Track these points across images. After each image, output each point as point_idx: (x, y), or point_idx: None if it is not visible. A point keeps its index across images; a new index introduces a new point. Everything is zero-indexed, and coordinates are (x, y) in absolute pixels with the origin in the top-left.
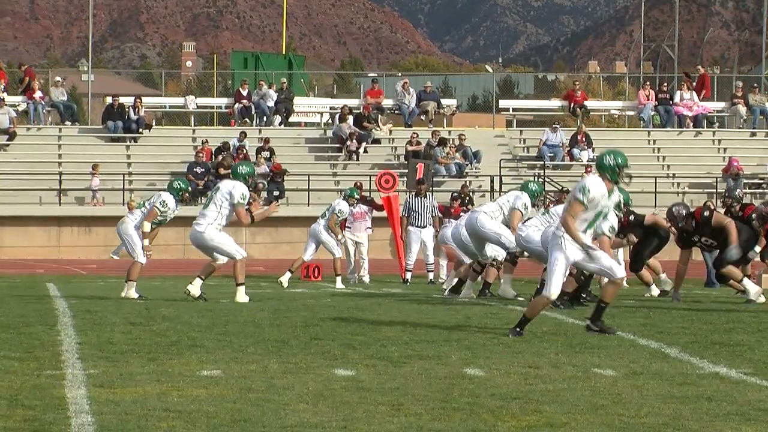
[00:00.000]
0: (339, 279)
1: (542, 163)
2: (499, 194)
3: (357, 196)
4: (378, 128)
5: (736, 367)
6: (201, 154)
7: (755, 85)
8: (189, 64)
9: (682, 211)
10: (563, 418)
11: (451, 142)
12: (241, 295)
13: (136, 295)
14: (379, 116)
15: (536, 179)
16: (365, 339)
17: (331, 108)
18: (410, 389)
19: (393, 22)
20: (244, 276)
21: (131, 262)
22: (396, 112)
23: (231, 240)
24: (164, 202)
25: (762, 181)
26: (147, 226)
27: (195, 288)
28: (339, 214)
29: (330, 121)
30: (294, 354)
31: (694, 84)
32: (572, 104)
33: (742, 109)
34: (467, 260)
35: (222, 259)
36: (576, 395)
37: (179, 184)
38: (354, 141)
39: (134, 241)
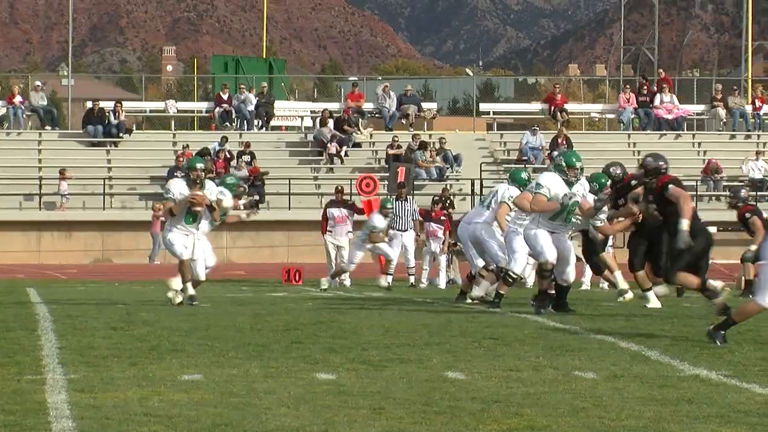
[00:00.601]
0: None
1: (524, 166)
2: (480, 197)
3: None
4: (359, 132)
5: (716, 369)
6: (182, 159)
7: (735, 87)
8: (169, 68)
9: (618, 170)
10: (544, 421)
11: (431, 145)
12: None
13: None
14: (360, 120)
15: (525, 168)
16: (346, 343)
17: (311, 112)
18: (391, 393)
19: (373, 26)
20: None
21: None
22: (377, 115)
23: (180, 241)
24: (222, 191)
25: (741, 183)
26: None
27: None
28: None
29: (311, 125)
30: (275, 358)
31: (654, 87)
32: (552, 107)
33: (722, 111)
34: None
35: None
36: (557, 398)
37: (232, 179)
38: (335, 145)
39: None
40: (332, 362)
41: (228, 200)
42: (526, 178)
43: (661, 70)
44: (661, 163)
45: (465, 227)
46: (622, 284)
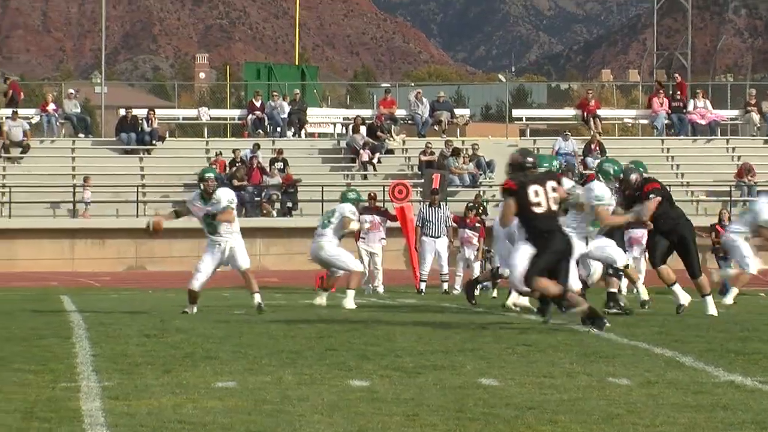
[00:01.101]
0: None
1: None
2: None
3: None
4: (391, 138)
5: (751, 375)
6: (215, 166)
7: (766, 92)
8: (202, 75)
9: (634, 176)
10: (578, 428)
11: (464, 152)
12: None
13: (353, 305)
14: (393, 126)
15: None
16: (379, 350)
17: (344, 118)
18: (425, 399)
19: (405, 32)
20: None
21: (346, 275)
22: (409, 122)
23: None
24: (353, 211)
25: None
26: (354, 225)
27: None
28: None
29: (343, 131)
30: (308, 365)
31: (670, 92)
32: (585, 113)
33: (756, 116)
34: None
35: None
36: (591, 405)
37: (353, 194)
38: (367, 151)
39: (343, 257)
40: (365, 369)
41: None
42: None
43: (677, 75)
44: (641, 170)
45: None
46: (644, 295)
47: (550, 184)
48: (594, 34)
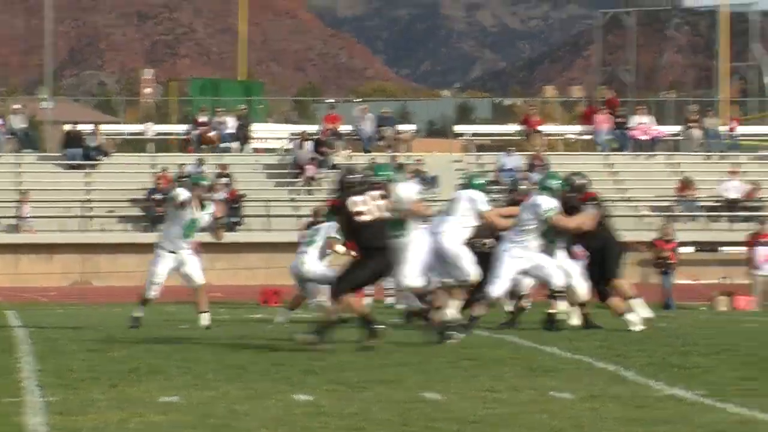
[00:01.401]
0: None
1: (499, 187)
2: None
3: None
4: (337, 154)
5: (692, 389)
6: (160, 181)
7: (709, 108)
8: (148, 90)
9: (581, 181)
10: None
11: (409, 167)
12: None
13: None
14: (338, 142)
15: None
16: (324, 364)
17: (289, 134)
18: (369, 414)
19: (351, 48)
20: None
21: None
22: (354, 137)
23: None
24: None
25: (718, 203)
26: (340, 248)
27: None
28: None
29: (289, 147)
30: (254, 380)
31: (613, 109)
32: (529, 129)
33: (697, 132)
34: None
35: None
36: (533, 419)
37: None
38: (313, 167)
39: (323, 274)
40: (310, 383)
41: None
42: (484, 182)
43: (611, 92)
44: (585, 181)
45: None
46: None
47: (375, 193)
48: (537, 50)
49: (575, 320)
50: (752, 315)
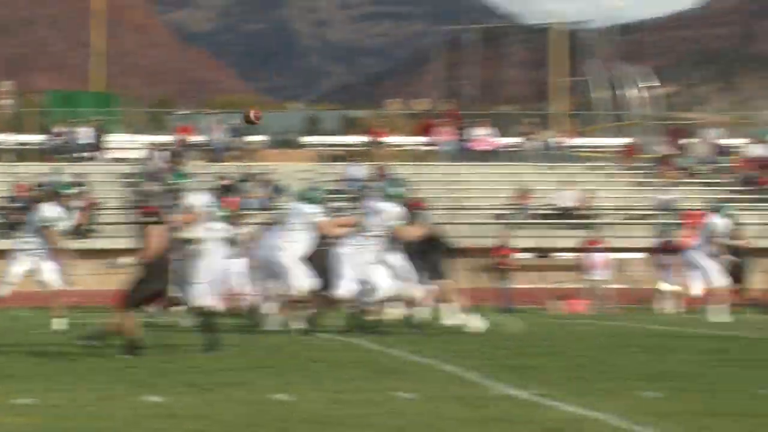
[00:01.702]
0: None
1: (345, 195)
2: None
3: None
4: (188, 164)
5: (529, 388)
6: (18, 190)
7: (545, 121)
8: (4, 102)
9: None
10: None
11: (258, 177)
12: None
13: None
14: (190, 152)
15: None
16: (175, 366)
17: (144, 145)
18: (219, 415)
19: (205, 62)
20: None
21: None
22: (207, 148)
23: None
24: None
25: (554, 212)
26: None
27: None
28: None
29: (143, 157)
30: (106, 382)
31: (445, 120)
32: (374, 140)
33: (534, 143)
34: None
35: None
36: (379, 419)
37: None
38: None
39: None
40: (161, 385)
41: None
42: (318, 194)
43: (451, 105)
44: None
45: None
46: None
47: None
48: (384, 65)
49: (450, 320)
50: (585, 318)
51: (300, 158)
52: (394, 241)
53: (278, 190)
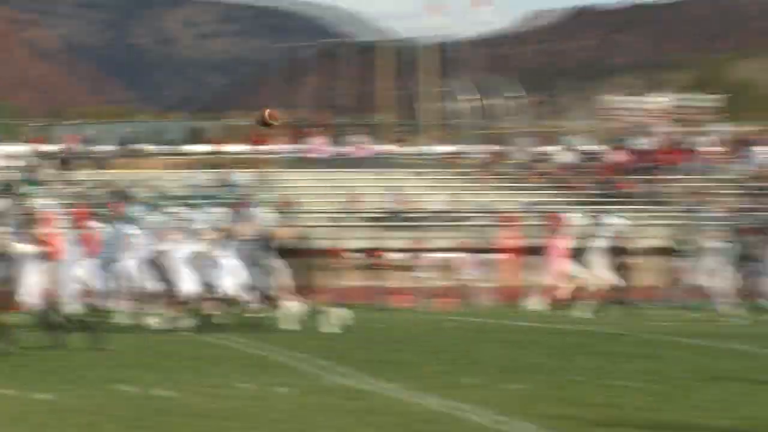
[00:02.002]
0: None
1: (224, 201)
2: None
3: None
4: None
5: (398, 381)
6: None
7: (412, 129)
8: None
9: None
10: (241, 431)
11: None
12: None
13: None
14: (77, 161)
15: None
16: (64, 364)
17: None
18: (105, 410)
19: (80, 72)
20: None
21: None
22: (92, 156)
23: None
24: None
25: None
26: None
27: None
28: None
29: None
30: None
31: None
32: (253, 148)
33: (404, 149)
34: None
35: None
36: (256, 411)
37: None
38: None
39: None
40: (50, 383)
41: None
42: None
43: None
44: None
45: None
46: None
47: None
48: (259, 74)
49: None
50: (457, 315)
51: (184, 165)
52: (229, 242)
53: (127, 197)
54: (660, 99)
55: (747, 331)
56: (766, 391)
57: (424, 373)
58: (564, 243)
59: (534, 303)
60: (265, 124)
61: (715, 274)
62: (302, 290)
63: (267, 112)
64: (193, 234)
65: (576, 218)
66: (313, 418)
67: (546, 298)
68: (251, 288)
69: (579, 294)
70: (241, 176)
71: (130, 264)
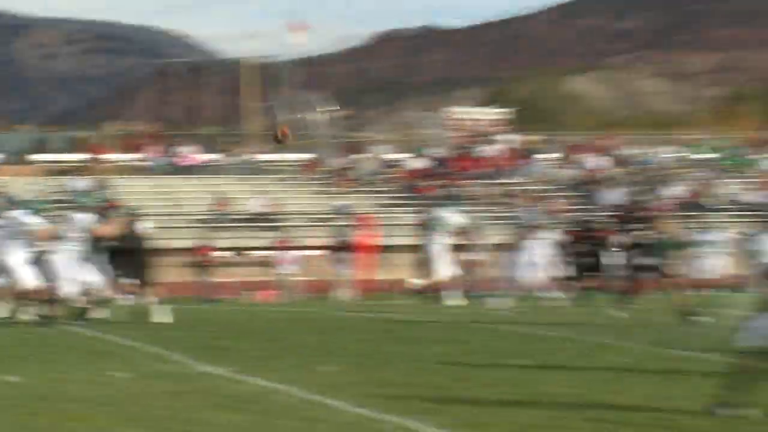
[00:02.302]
0: None
1: (69, 205)
2: None
3: None
4: None
5: (225, 366)
6: None
7: (239, 139)
8: None
9: None
10: (83, 413)
11: None
12: None
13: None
14: None
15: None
16: None
17: None
18: None
19: None
20: None
21: None
22: None
23: None
24: None
25: (249, 216)
26: None
27: None
28: None
29: None
30: None
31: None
32: (94, 157)
33: (233, 158)
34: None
35: None
36: (95, 393)
37: None
38: None
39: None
40: None
41: None
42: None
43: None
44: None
45: None
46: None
47: None
48: (105, 91)
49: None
50: (276, 306)
51: (30, 173)
52: (91, 241)
53: (10, 201)
54: (458, 111)
55: (552, 318)
56: (551, 371)
57: (247, 357)
58: (371, 240)
59: (344, 293)
60: (278, 140)
61: (532, 267)
62: (134, 285)
63: (281, 130)
64: (29, 235)
65: (453, 217)
66: (150, 400)
67: (354, 290)
68: (88, 283)
69: (443, 285)
70: (80, 182)
71: (11, 262)
